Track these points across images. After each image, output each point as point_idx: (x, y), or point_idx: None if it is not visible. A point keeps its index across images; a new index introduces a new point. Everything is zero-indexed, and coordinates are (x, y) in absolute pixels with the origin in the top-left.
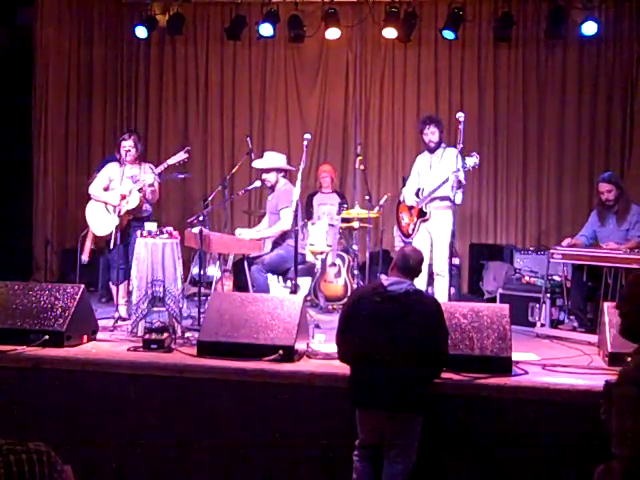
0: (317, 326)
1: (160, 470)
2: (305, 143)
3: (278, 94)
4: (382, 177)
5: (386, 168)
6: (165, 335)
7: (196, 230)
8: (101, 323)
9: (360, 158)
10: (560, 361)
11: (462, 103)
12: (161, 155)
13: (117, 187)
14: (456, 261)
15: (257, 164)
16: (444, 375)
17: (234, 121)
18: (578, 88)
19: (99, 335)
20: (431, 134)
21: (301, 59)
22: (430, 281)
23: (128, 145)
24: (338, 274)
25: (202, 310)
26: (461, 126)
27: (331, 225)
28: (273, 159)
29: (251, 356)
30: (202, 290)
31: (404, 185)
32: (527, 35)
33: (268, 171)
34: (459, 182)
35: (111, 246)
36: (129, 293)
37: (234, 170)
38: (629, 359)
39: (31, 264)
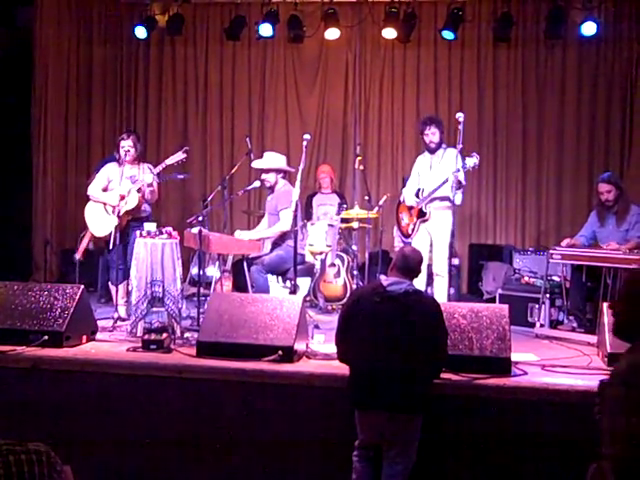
0: (316, 326)
1: (160, 470)
2: (304, 143)
3: (277, 94)
4: (381, 177)
5: (385, 168)
6: (164, 335)
7: (195, 230)
8: (100, 323)
9: (359, 158)
10: (559, 361)
11: (461, 103)
12: (160, 155)
13: (116, 187)
14: (455, 261)
15: (256, 164)
16: (443, 375)
17: (233, 121)
18: (577, 88)
19: (98, 335)
20: (432, 135)
21: (301, 59)
22: (429, 281)
23: (127, 145)
24: (337, 274)
25: (201, 310)
26: (460, 126)
27: (330, 225)
28: (273, 159)
29: (250, 356)
30: (201, 290)
31: (404, 185)
32: (526, 35)
33: (267, 171)
34: (459, 182)
35: (110, 246)
36: (128, 293)
37: (233, 170)
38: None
39: (30, 264)
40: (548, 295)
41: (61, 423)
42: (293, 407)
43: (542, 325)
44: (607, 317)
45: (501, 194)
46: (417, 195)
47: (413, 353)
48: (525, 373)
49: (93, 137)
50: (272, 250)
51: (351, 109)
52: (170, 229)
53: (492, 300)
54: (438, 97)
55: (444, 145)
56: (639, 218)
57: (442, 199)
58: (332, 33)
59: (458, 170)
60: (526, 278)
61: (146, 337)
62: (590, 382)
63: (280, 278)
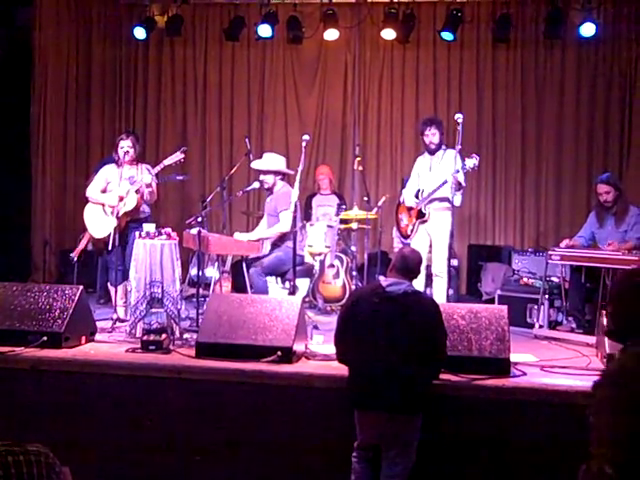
0: (315, 327)
1: (159, 471)
2: (303, 144)
3: (277, 95)
4: (380, 178)
5: (384, 169)
6: (163, 336)
7: (194, 231)
8: (99, 324)
9: (359, 159)
10: (558, 362)
11: (460, 104)
12: (160, 156)
13: (115, 189)
14: (454, 262)
15: (256, 165)
16: (442, 376)
17: (232, 122)
18: (576, 89)
19: (97, 336)
20: (432, 135)
21: (300, 60)
22: (428, 282)
23: (126, 145)
24: (336, 275)
25: (200, 311)
26: (459, 127)
27: (329, 226)
28: (272, 161)
29: (249, 357)
30: (200, 291)
31: (403, 186)
32: (525, 36)
33: (266, 173)
34: (459, 184)
35: (109, 247)
36: (127, 294)
37: (232, 171)
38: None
39: (29, 265)
40: (547, 296)
41: (60, 424)
42: (292, 408)
43: (541, 326)
44: (606, 318)
45: (500, 195)
46: (417, 196)
47: (412, 354)
48: (524, 374)
49: (92, 137)
50: (271, 251)
51: (350, 110)
52: (169, 230)
53: (491, 301)
54: (437, 98)
55: (444, 146)
56: (638, 219)
57: (441, 200)
58: (331, 34)
59: (457, 171)
60: (525, 279)
61: (145, 338)
62: (589, 383)
63: (279, 279)
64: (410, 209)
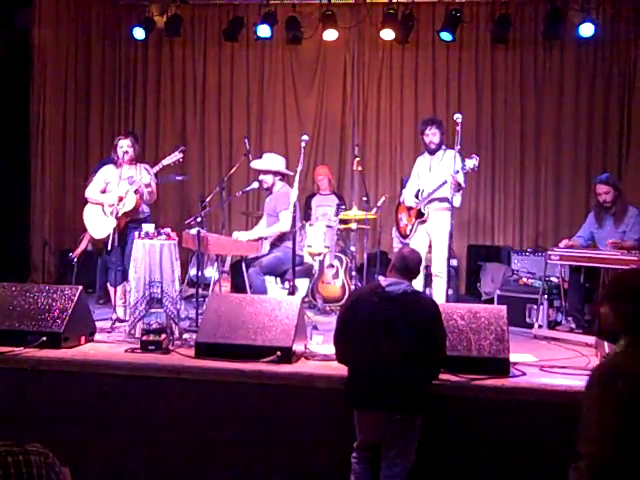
0: (315, 327)
1: (159, 471)
2: (303, 144)
3: (276, 95)
4: (380, 178)
5: (384, 169)
6: (163, 336)
7: (194, 231)
8: (99, 324)
9: (358, 159)
10: (558, 362)
11: (460, 104)
12: (159, 156)
13: (114, 189)
14: (453, 262)
15: (255, 164)
16: (442, 376)
17: (232, 122)
18: (575, 89)
19: (97, 336)
20: (432, 135)
21: (299, 60)
22: (428, 282)
23: (125, 145)
24: (336, 275)
25: (200, 311)
26: (459, 127)
27: (329, 226)
28: (271, 161)
29: (249, 357)
30: (200, 291)
31: (402, 186)
32: (524, 37)
33: (265, 173)
34: (458, 185)
35: (109, 248)
36: (127, 294)
37: (232, 171)
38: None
39: (29, 265)
40: (546, 296)
41: (59, 424)
42: (292, 408)
43: (540, 326)
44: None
45: (499, 195)
46: (417, 196)
47: (412, 354)
48: (523, 374)
49: (91, 137)
50: (271, 251)
51: (349, 110)
52: (168, 230)
53: (490, 301)
54: (436, 98)
55: (444, 146)
56: (637, 220)
57: (441, 200)
58: (330, 34)
59: (457, 171)
60: (524, 279)
61: (144, 338)
62: None
63: (278, 279)
64: (409, 209)
